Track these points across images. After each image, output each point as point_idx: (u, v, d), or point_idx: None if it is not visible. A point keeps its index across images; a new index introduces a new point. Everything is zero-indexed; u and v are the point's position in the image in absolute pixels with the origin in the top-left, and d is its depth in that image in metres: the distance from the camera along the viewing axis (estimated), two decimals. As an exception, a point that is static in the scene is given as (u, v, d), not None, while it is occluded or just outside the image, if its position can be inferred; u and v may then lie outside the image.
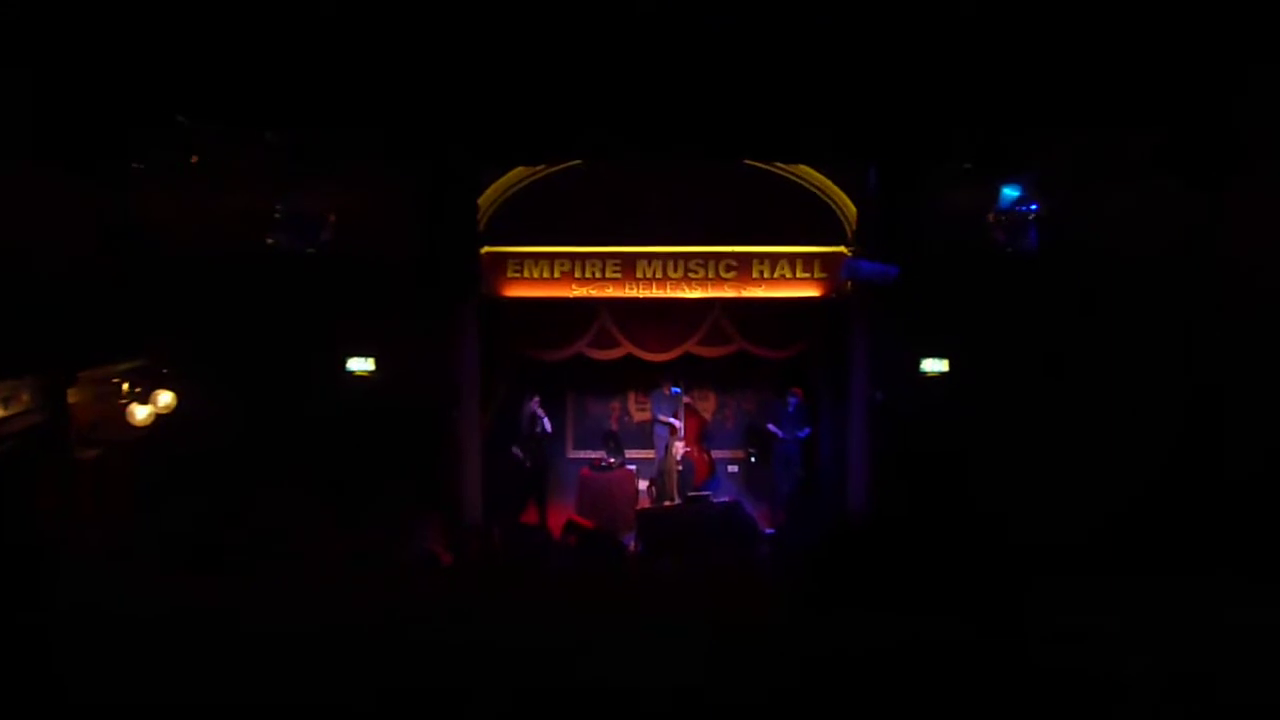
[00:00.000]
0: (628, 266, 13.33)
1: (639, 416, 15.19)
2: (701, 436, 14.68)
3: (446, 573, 10.84)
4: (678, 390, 13.95)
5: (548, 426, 13.78)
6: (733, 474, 14.84)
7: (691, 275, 13.31)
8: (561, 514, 13.52)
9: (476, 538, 12.04)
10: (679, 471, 13.82)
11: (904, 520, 10.48)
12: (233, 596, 7.71)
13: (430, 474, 12.29)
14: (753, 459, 14.52)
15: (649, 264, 13.40)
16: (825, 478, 13.66)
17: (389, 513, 11.43)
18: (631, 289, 13.45)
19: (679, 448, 13.71)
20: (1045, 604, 6.41)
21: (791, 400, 13.75)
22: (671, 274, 13.42)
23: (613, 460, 14.00)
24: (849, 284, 12.78)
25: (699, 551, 11.59)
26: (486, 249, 13.21)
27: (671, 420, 13.77)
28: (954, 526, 8.51)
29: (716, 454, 14.95)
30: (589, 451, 14.94)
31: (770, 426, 13.90)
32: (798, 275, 13.34)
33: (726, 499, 13.42)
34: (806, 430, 13.73)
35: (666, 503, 13.68)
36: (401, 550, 11.00)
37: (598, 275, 13.42)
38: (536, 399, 13.79)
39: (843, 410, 13.15)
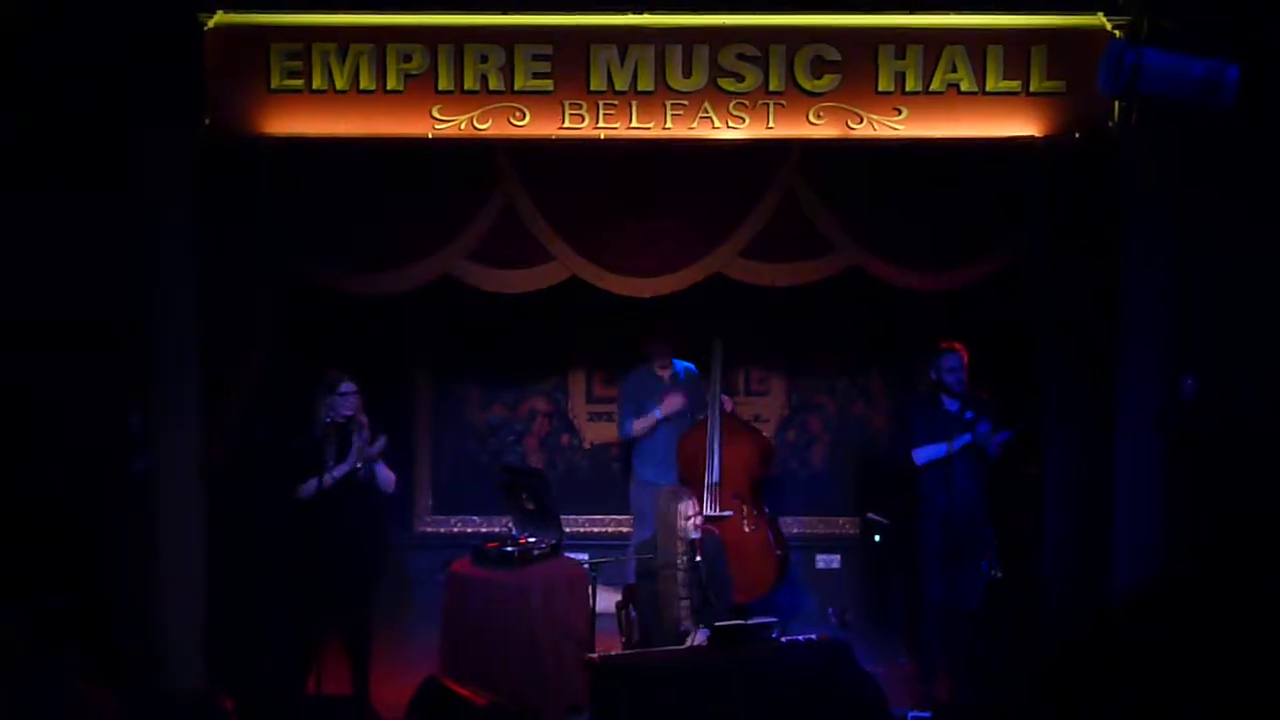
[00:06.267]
0: (571, 60, 8.06)
1: (594, 435, 10.46)
2: (754, 485, 9.14)
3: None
4: (692, 370, 9.20)
5: (377, 450, 7.99)
6: (828, 572, 9.68)
7: (729, 85, 8.04)
8: (407, 670, 8.53)
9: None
10: (696, 566, 8.23)
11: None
12: None
13: (75, 575, 7.46)
14: (877, 538, 9.11)
15: (618, 56, 7.85)
16: (1058, 576, 8.10)
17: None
18: (578, 121, 7.96)
19: (690, 511, 8.07)
20: None
21: (948, 365, 8.14)
22: (678, 81, 7.86)
23: (529, 540, 8.72)
24: (1117, 105, 7.88)
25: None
26: (222, 16, 7.97)
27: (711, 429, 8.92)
28: None
29: (792, 525, 9.76)
30: (470, 519, 10.26)
31: (928, 453, 8.33)
32: (988, 87, 7.84)
33: (812, 636, 7.93)
34: (1004, 434, 8.12)
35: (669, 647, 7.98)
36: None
37: (498, 85, 7.85)
38: (347, 385, 7.89)
39: (1098, 418, 7.92)
